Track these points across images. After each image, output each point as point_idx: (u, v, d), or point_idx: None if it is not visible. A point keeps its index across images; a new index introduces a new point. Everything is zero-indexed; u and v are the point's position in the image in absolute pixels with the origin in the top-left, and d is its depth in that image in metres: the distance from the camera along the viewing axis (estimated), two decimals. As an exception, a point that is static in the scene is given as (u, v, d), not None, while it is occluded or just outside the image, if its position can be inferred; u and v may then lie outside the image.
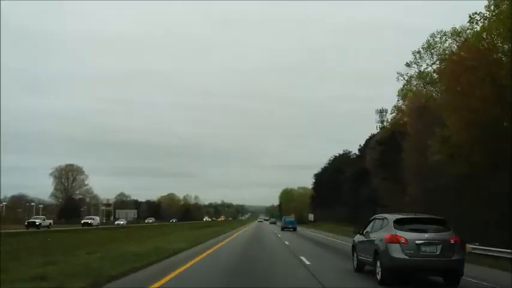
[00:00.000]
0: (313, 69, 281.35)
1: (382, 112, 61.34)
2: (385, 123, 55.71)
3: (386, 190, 38.07)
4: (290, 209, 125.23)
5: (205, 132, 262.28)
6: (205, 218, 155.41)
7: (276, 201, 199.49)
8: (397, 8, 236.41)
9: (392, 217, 10.36)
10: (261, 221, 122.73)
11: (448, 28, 32.48)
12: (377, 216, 11.70)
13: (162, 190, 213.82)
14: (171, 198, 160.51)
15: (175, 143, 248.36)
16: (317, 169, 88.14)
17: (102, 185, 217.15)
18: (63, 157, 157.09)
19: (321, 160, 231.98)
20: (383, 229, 10.32)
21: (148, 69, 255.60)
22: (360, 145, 64.78)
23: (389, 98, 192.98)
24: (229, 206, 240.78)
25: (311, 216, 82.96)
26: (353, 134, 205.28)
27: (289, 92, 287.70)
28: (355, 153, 68.37)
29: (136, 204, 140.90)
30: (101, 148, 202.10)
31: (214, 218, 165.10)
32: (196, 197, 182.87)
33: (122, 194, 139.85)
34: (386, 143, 40.81)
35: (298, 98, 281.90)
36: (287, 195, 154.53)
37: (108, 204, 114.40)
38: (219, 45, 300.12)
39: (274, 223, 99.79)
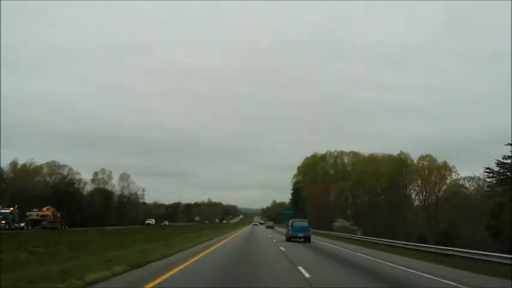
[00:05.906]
0: (323, 46, 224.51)
1: None
2: None
3: None
4: (325, 200, 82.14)
5: (196, 125, 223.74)
6: (197, 218, 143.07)
7: (280, 199, 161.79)
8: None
9: None
10: (256, 224, 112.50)
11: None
12: None
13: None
14: (34, 171, 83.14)
15: (160, 138, 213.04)
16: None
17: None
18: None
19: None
20: None
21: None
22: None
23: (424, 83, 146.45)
24: (215, 205, 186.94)
25: None
26: (373, 129, 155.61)
27: (293, 74, 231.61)
28: None
29: None
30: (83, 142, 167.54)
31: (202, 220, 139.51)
32: (126, 175, 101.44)
33: None
34: None
35: (304, 82, 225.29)
36: (313, 168, 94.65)
37: None
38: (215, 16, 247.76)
39: (272, 227, 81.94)
